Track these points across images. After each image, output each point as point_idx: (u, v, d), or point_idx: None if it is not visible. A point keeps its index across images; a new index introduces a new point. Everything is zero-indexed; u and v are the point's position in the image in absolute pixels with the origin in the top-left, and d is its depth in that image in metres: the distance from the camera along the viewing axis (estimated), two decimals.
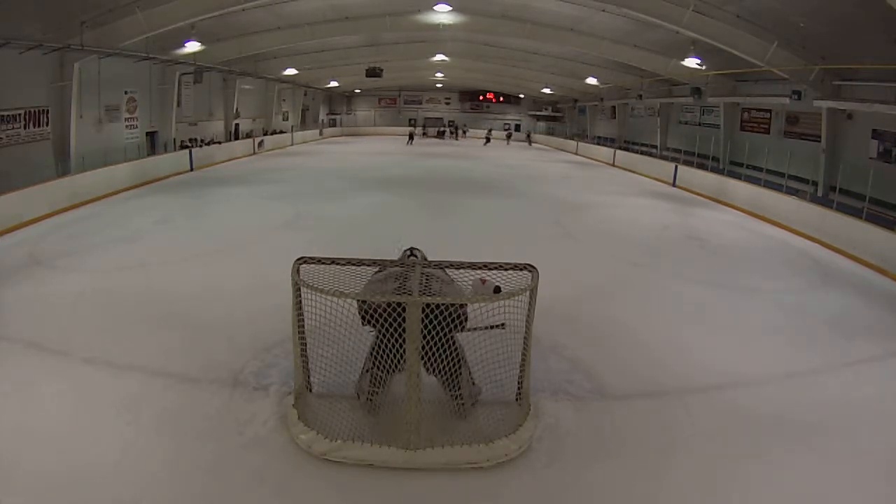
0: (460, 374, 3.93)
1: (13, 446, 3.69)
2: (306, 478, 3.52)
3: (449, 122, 39.23)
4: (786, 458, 3.84)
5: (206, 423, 4.04)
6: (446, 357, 3.73)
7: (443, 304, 3.62)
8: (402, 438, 3.64)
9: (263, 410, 4.20)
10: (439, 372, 3.84)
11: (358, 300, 3.78)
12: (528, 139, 35.60)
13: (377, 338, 3.84)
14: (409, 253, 4.57)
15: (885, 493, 3.57)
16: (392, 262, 4.04)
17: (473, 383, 4.19)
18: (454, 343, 3.84)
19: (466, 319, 3.91)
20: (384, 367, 3.78)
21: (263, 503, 3.32)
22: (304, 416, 3.94)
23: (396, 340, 3.59)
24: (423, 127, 38.70)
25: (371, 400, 4.02)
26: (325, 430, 3.76)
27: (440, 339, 3.62)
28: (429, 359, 3.67)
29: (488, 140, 34.16)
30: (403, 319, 3.51)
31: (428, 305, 3.55)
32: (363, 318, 3.85)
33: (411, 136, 32.16)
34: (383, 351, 3.71)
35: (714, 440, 4.04)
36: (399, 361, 3.66)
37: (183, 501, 3.30)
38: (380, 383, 3.96)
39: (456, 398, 3.98)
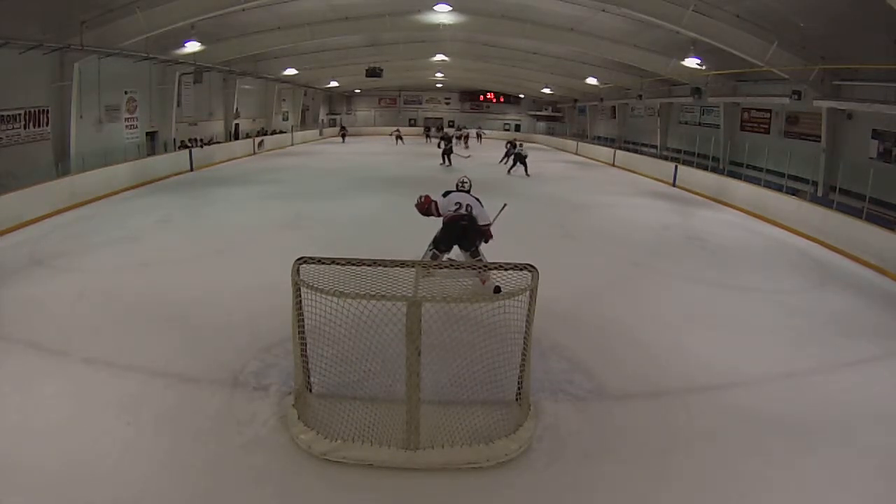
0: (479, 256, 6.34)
1: (13, 446, 3.68)
2: (306, 478, 3.51)
3: (450, 122, 38.30)
4: (786, 458, 3.84)
5: (206, 423, 4.04)
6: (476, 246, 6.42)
7: (479, 224, 6.36)
8: (402, 438, 3.64)
9: (263, 410, 4.19)
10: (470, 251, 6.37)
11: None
12: (513, 156, 18.93)
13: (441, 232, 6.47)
14: (462, 180, 6.84)
15: (884, 492, 3.57)
16: (392, 261, 4.03)
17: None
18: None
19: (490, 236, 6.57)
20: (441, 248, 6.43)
21: (263, 503, 3.31)
22: (304, 416, 3.93)
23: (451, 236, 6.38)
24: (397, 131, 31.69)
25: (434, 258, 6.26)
26: (325, 430, 3.76)
27: (475, 236, 6.35)
28: (468, 244, 6.40)
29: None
30: (461, 231, 6.35)
31: (471, 220, 6.31)
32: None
33: (399, 137, 30.76)
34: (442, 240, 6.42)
35: (714, 440, 4.04)
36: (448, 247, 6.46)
37: (182, 501, 3.30)
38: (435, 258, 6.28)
39: (477, 263, 5.23)
